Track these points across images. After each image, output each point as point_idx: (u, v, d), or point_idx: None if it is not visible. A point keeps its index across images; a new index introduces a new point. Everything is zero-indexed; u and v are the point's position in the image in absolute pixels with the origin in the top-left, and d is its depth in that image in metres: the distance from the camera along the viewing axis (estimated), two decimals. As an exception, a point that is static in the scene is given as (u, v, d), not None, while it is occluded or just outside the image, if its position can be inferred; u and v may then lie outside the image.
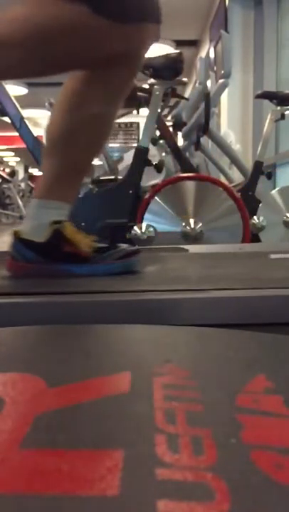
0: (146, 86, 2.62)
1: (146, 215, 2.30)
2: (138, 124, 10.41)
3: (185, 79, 2.86)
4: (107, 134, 1.11)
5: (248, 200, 2.56)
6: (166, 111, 3.33)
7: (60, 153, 1.03)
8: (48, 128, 1.05)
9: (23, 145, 2.60)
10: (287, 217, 2.74)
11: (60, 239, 1.00)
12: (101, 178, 3.11)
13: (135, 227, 2.24)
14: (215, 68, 3.09)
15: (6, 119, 2.57)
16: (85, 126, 1.02)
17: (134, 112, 3.15)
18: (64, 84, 1.04)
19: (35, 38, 0.88)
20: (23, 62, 0.92)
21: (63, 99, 1.03)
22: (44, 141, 1.08)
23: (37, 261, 0.99)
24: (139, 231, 2.23)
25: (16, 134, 2.57)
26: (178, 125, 3.01)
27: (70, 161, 1.03)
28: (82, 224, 2.55)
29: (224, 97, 4.70)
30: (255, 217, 2.55)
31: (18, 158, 16.91)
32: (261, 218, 2.56)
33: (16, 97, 2.56)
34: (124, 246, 1.08)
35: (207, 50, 5.64)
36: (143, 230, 2.23)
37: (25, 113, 2.59)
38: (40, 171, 1.07)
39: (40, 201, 1.03)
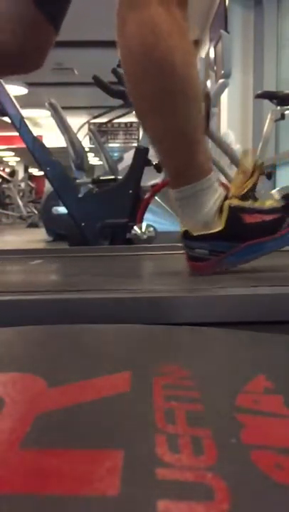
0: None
1: (146, 215, 2.30)
2: (138, 124, 10.40)
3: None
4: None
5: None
6: (166, 111, 3.33)
7: (159, 124, 0.90)
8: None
9: (23, 145, 2.60)
10: (287, 217, 2.74)
11: (239, 213, 0.90)
12: (101, 178, 3.12)
13: (135, 227, 2.24)
14: (215, 68, 3.09)
15: (6, 119, 2.57)
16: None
17: (134, 111, 3.14)
18: None
19: None
20: None
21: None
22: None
23: (224, 250, 0.90)
24: (139, 231, 2.23)
25: (16, 134, 2.57)
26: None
27: (173, 129, 0.90)
28: (83, 224, 2.55)
29: (224, 97, 4.70)
30: (255, 217, 2.55)
31: (18, 158, 16.91)
32: (261, 218, 2.56)
33: (16, 97, 2.56)
34: None
35: (207, 50, 5.65)
36: (143, 230, 2.23)
37: (25, 113, 2.59)
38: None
39: (185, 189, 0.91)
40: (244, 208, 0.92)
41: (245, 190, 0.94)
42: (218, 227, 0.89)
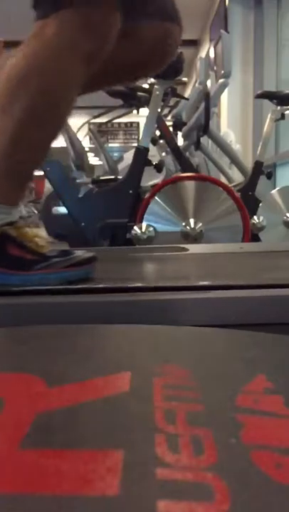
0: (146, 86, 2.62)
1: (146, 215, 2.30)
2: (138, 124, 10.40)
3: (185, 79, 2.86)
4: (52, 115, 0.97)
5: (248, 200, 2.56)
6: (166, 111, 3.33)
7: None
8: None
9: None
10: (287, 217, 2.75)
11: (6, 241, 0.93)
12: (101, 178, 3.11)
13: (135, 227, 2.24)
14: (215, 68, 3.09)
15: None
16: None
17: (134, 111, 3.15)
18: None
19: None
20: None
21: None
22: None
23: None
24: (139, 231, 2.23)
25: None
26: (178, 125, 3.01)
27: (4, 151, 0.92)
28: (82, 224, 2.55)
29: (224, 97, 4.70)
30: (255, 217, 2.55)
31: (18, 158, 16.88)
32: (261, 218, 2.56)
33: (16, 97, 2.56)
34: (79, 253, 0.99)
35: (207, 50, 5.64)
36: (143, 230, 2.23)
37: (25, 113, 2.59)
38: None
39: None
40: (14, 239, 0.94)
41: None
42: None
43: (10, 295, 0.82)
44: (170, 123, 3.04)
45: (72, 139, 3.44)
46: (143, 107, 2.77)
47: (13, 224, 0.95)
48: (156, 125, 2.69)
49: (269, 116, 2.86)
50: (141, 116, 2.75)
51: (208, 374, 0.47)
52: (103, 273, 1.10)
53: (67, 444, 0.33)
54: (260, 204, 2.69)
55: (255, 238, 2.55)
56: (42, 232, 0.98)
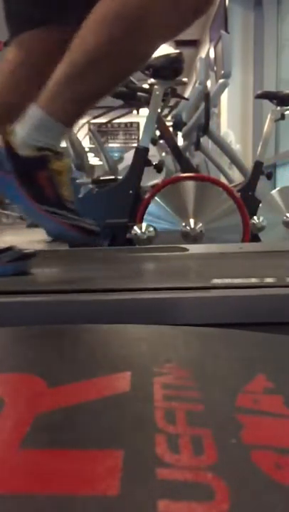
0: (146, 86, 2.62)
1: (146, 215, 2.30)
2: (138, 124, 10.41)
3: (185, 79, 2.86)
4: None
5: (248, 200, 2.56)
6: (166, 111, 3.34)
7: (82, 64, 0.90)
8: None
9: (23, 145, 2.59)
10: (287, 217, 2.75)
11: (42, 168, 0.91)
12: (101, 178, 3.11)
13: (135, 227, 2.24)
14: (215, 68, 3.10)
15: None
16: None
17: (134, 111, 3.15)
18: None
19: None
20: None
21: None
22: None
23: (9, 173, 0.90)
24: (139, 231, 2.23)
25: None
26: (178, 125, 3.01)
27: (90, 77, 0.91)
28: (82, 224, 2.55)
29: (224, 97, 4.71)
30: (255, 217, 2.55)
31: (18, 158, 16.88)
32: (261, 218, 2.56)
33: (16, 97, 2.56)
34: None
35: (207, 50, 5.65)
36: (143, 230, 2.23)
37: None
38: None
39: (43, 114, 0.91)
40: (49, 171, 0.92)
41: None
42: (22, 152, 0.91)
43: (10, 294, 0.82)
44: (170, 123, 3.04)
45: (72, 139, 3.44)
46: (143, 107, 2.77)
47: (57, 155, 0.92)
48: (156, 125, 2.69)
49: (269, 116, 2.86)
50: (141, 116, 2.75)
51: (208, 374, 0.47)
52: (103, 272, 1.10)
53: (67, 444, 0.33)
54: (260, 204, 2.69)
55: (255, 238, 2.55)
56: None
